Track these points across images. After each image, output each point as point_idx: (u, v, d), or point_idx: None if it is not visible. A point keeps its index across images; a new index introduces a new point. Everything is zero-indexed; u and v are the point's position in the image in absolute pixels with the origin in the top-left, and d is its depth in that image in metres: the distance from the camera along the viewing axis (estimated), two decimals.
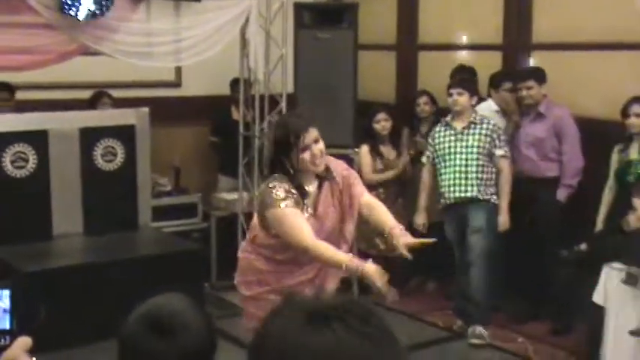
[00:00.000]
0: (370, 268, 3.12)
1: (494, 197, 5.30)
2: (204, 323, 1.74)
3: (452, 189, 5.30)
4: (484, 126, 5.28)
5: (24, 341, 1.26)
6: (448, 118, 5.40)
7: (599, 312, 4.42)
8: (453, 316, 5.58)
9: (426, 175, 5.56)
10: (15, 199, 5.42)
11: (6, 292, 1.26)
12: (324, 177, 3.45)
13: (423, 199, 5.58)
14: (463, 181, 5.27)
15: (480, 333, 5.22)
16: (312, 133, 3.33)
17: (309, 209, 3.40)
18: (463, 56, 6.43)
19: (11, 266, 4.97)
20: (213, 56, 5.82)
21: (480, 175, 5.26)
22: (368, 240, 6.08)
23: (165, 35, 5.71)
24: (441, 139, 5.38)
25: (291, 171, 3.35)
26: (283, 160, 3.35)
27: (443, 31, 6.73)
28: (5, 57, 5.06)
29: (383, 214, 3.51)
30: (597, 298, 4.43)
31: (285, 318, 1.12)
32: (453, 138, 5.33)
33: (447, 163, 5.33)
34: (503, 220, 5.25)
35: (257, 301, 3.52)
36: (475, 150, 5.25)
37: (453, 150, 5.31)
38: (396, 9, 7.02)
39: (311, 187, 3.43)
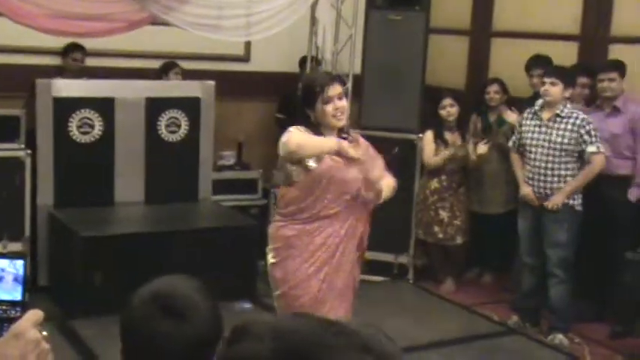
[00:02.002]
0: (344, 143, 3.50)
1: (576, 202, 5.00)
2: (213, 309, 1.67)
3: (532, 183, 5.06)
4: (570, 120, 4.93)
5: (35, 314, 1.20)
6: (537, 107, 5.10)
7: None
8: (508, 310, 5.45)
9: (514, 155, 5.26)
10: (79, 164, 5.51)
11: (20, 262, 1.21)
12: (346, 138, 3.60)
13: (520, 175, 5.17)
14: (542, 177, 5.01)
15: (561, 342, 5.06)
16: (337, 88, 3.53)
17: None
18: (538, 45, 6.22)
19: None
20: (283, 33, 5.76)
21: (562, 172, 4.96)
22: (426, 228, 5.99)
23: (236, 9, 5.66)
24: (526, 128, 5.11)
25: (314, 123, 3.52)
26: (308, 111, 3.53)
27: (518, 18, 6.53)
28: (76, 23, 5.10)
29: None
30: None
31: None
32: (537, 129, 5.04)
33: (530, 155, 5.08)
34: (555, 199, 4.94)
35: (284, 265, 3.62)
36: (558, 146, 4.94)
37: (535, 142, 5.04)
38: None
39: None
